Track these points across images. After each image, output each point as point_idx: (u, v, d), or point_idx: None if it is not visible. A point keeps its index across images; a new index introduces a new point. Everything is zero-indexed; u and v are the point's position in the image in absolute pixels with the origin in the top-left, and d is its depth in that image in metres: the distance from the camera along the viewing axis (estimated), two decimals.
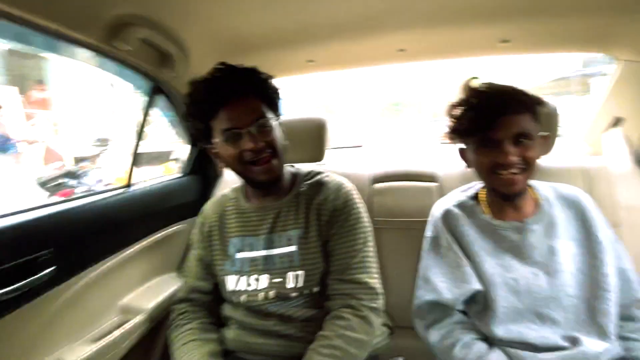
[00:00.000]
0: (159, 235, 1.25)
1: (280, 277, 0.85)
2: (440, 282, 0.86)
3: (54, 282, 0.87)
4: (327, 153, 1.29)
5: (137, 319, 1.07)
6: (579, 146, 1.39)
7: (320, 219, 0.86)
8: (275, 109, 0.87)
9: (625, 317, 0.81)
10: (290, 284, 0.84)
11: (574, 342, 0.75)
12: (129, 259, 1.14)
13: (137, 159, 1.17)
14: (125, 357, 1.03)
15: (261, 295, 0.85)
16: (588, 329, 0.76)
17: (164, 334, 1.27)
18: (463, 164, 0.91)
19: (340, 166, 1.41)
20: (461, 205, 0.93)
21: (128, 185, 1.16)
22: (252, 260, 0.88)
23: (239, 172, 0.85)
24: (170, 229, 1.30)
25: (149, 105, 1.15)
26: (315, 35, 1.10)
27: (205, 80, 0.82)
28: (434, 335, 0.86)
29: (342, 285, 0.83)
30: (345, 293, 0.82)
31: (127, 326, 1.04)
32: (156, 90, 1.15)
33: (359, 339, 0.78)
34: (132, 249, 1.13)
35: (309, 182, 0.93)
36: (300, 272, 0.85)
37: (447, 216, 0.92)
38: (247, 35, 1.09)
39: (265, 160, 0.81)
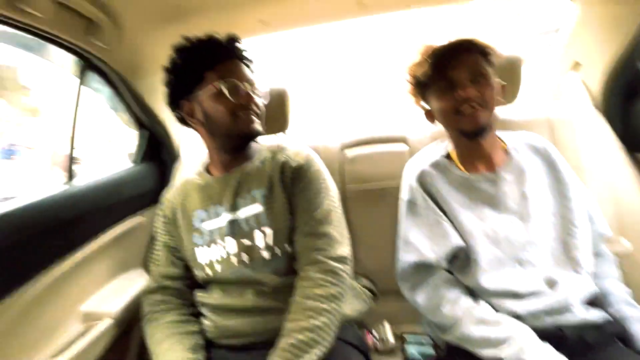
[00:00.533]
0: (115, 230, 1.14)
1: (248, 239, 0.85)
2: (421, 243, 0.87)
3: None
4: (294, 123, 1.22)
5: (104, 323, 0.98)
6: (541, 91, 1.40)
7: (284, 178, 0.88)
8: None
9: (593, 253, 0.85)
10: (259, 242, 0.84)
11: (552, 284, 0.78)
12: (85, 260, 1.03)
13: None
14: None
15: (235, 260, 0.85)
16: (564, 265, 0.80)
17: (137, 336, 1.19)
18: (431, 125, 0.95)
19: (308, 138, 1.35)
20: (434, 164, 0.94)
21: (69, 180, 1.03)
22: (219, 227, 0.87)
23: (228, 122, 0.85)
24: (127, 223, 1.19)
25: (81, 85, 1.00)
26: None
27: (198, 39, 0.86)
28: (420, 297, 0.86)
29: (306, 239, 0.84)
30: (309, 247, 0.83)
31: (93, 333, 0.95)
32: (86, 67, 0.99)
33: (330, 294, 0.77)
34: (86, 249, 1.02)
35: (272, 148, 0.96)
36: (268, 231, 0.85)
37: (421, 176, 0.93)
38: None
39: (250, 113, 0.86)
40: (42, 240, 0.88)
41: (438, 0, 1.14)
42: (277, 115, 1.17)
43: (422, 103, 0.94)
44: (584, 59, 1.21)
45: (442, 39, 0.86)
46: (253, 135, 0.88)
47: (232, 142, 0.90)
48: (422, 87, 0.90)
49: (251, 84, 0.87)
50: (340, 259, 0.82)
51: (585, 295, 0.78)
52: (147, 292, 0.92)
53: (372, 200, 1.23)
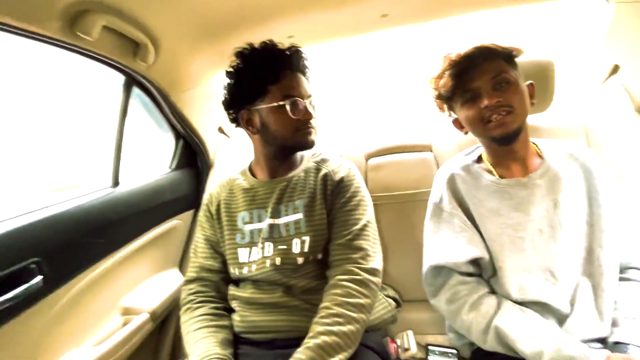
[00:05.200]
0: (154, 232, 1.22)
1: (286, 244, 0.88)
2: (443, 248, 0.86)
3: (44, 291, 0.85)
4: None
5: (140, 318, 1.06)
6: (579, 97, 1.34)
7: (326, 190, 0.92)
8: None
9: (634, 266, 0.82)
10: (296, 249, 0.87)
11: (573, 304, 0.76)
12: (126, 259, 1.12)
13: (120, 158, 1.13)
14: (131, 358, 1.03)
15: (268, 262, 0.87)
16: (590, 276, 0.78)
17: (171, 331, 1.26)
18: (456, 131, 0.93)
19: (333, 146, 1.38)
20: (465, 168, 0.92)
21: (115, 185, 1.13)
22: (260, 230, 0.91)
23: (287, 135, 0.89)
24: (165, 226, 1.28)
25: (126, 99, 1.10)
26: (292, 8, 1.04)
27: (265, 47, 0.90)
28: (441, 300, 0.86)
29: (341, 250, 0.86)
30: (344, 258, 0.85)
31: (130, 326, 1.03)
32: (131, 83, 1.09)
33: (359, 304, 0.78)
34: (127, 249, 1.11)
35: (315, 159, 0.99)
36: (306, 238, 0.87)
37: (451, 180, 0.92)
38: (219, 16, 1.03)
39: (309, 128, 0.91)
40: (88, 239, 0.97)
41: (462, 10, 1.14)
42: None
43: (450, 112, 0.93)
44: (623, 61, 1.14)
45: (460, 47, 0.84)
46: (309, 147, 0.92)
47: (285, 151, 0.95)
48: (446, 99, 0.90)
49: (309, 97, 0.91)
50: (373, 272, 0.83)
51: (597, 334, 0.75)
52: (186, 281, 0.97)
53: (397, 209, 1.23)
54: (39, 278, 0.81)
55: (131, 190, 1.15)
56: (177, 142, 1.41)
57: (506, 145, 0.85)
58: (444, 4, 1.10)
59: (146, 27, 0.94)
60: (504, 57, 0.82)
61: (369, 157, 1.32)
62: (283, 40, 1.22)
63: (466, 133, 0.91)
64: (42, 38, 0.77)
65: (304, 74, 0.93)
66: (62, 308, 0.91)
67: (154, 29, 0.96)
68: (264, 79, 0.87)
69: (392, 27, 1.21)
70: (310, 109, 0.89)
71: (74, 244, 0.93)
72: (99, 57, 0.92)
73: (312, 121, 0.90)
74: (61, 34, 0.77)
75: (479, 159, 0.94)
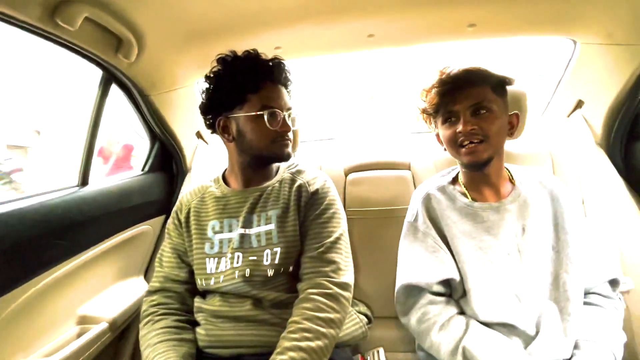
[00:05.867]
0: (120, 237, 1.16)
1: (256, 255, 0.86)
2: (415, 266, 0.87)
3: None
4: (300, 146, 1.26)
5: (98, 328, 0.99)
6: (545, 127, 1.43)
7: (300, 201, 0.90)
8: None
9: (597, 292, 0.85)
10: (266, 261, 0.85)
11: (538, 327, 0.78)
12: (88, 264, 1.05)
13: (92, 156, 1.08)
14: None
15: (237, 273, 0.85)
16: (556, 300, 0.80)
17: (131, 342, 1.19)
18: (434, 151, 0.94)
19: (313, 160, 1.39)
20: (441, 189, 0.94)
21: (83, 184, 1.07)
22: (230, 240, 0.89)
23: (263, 146, 0.89)
24: (132, 231, 1.22)
25: (103, 96, 1.06)
26: (281, 20, 1.05)
27: (248, 56, 0.89)
28: (411, 319, 0.86)
29: (312, 263, 0.84)
30: (315, 271, 0.83)
31: (86, 336, 0.96)
32: (109, 79, 1.06)
33: (329, 318, 0.77)
34: (89, 253, 1.04)
35: (291, 170, 0.99)
36: (277, 249, 0.86)
37: (427, 200, 0.94)
38: (208, 21, 1.02)
39: (286, 140, 0.90)
40: (49, 239, 0.91)
41: (443, 37, 1.20)
42: None
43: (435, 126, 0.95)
44: (586, 97, 1.24)
45: (455, 65, 0.86)
46: (284, 159, 0.91)
47: (260, 162, 0.93)
48: (429, 114, 0.92)
49: (289, 110, 0.90)
50: (344, 286, 0.82)
51: (561, 356, 0.77)
52: (149, 292, 0.93)
53: (373, 224, 1.24)
54: None
55: (98, 191, 1.09)
56: (153, 144, 1.37)
57: (476, 171, 0.88)
58: (426, 31, 1.16)
59: (131, 23, 0.91)
60: (492, 84, 0.84)
61: (349, 172, 1.33)
62: (270, 51, 1.23)
63: (445, 149, 0.93)
64: (21, 24, 0.73)
65: (285, 86, 0.93)
66: (12, 314, 0.83)
67: (139, 26, 0.94)
68: (244, 87, 0.87)
69: (378, 47, 1.25)
70: (288, 122, 0.89)
71: (31, 245, 0.86)
72: (78, 49, 0.88)
73: (289, 134, 0.90)
74: (41, 22, 0.74)
75: (455, 180, 0.97)
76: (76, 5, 0.76)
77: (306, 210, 0.90)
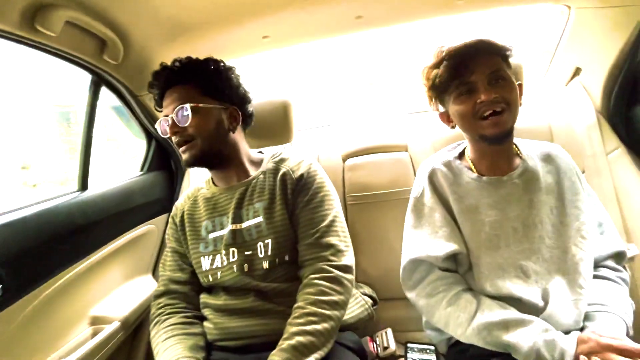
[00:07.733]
0: (126, 238, 1.18)
1: (251, 250, 0.87)
2: (422, 242, 0.87)
3: (4, 302, 0.79)
4: (297, 135, 1.25)
5: (111, 327, 1.02)
6: (543, 98, 1.40)
7: (286, 189, 0.90)
8: (212, 93, 0.90)
9: (605, 265, 0.84)
10: (261, 253, 0.87)
11: (546, 299, 0.77)
12: (96, 266, 1.07)
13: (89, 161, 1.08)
14: None
15: (235, 267, 0.87)
16: (564, 274, 0.79)
17: (144, 340, 1.22)
18: (432, 132, 0.91)
19: (310, 148, 1.38)
20: (447, 164, 0.93)
21: (83, 189, 1.08)
22: (222, 237, 0.90)
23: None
24: (137, 231, 1.23)
25: (94, 99, 1.05)
26: (267, 7, 1.03)
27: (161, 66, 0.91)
28: (419, 295, 0.86)
29: (311, 249, 0.85)
30: (314, 257, 0.84)
31: (100, 336, 0.98)
32: (99, 82, 1.05)
33: (333, 301, 0.78)
34: (96, 256, 1.06)
35: (274, 159, 0.98)
36: (268, 241, 0.87)
37: (433, 175, 0.92)
38: (192, 14, 1.00)
39: (183, 144, 0.88)
40: (55, 245, 0.92)
41: (434, 13, 1.17)
42: (281, 126, 1.20)
43: (439, 106, 0.91)
44: (584, 64, 1.21)
45: (458, 40, 0.82)
46: (187, 166, 0.93)
47: (207, 166, 0.95)
48: (438, 90, 0.87)
49: (179, 108, 0.85)
50: (345, 268, 0.83)
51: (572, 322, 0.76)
52: (155, 295, 0.95)
53: (374, 208, 1.24)
54: None
55: (99, 194, 1.10)
56: (149, 144, 1.36)
57: (497, 145, 0.84)
58: (415, 8, 1.13)
59: (113, 23, 0.90)
60: (501, 54, 0.82)
61: (346, 157, 1.33)
62: (258, 41, 1.21)
63: (453, 127, 0.90)
64: (1, 33, 0.72)
65: (184, 82, 0.89)
66: (25, 320, 0.85)
67: (122, 25, 0.92)
68: (159, 94, 0.92)
69: (367, 28, 1.22)
70: (169, 130, 0.87)
71: (37, 251, 0.88)
72: (63, 54, 0.87)
73: (175, 140, 0.87)
74: (21, 29, 0.73)
75: (461, 155, 0.95)
76: (55, 10, 0.75)
77: (295, 198, 0.89)
